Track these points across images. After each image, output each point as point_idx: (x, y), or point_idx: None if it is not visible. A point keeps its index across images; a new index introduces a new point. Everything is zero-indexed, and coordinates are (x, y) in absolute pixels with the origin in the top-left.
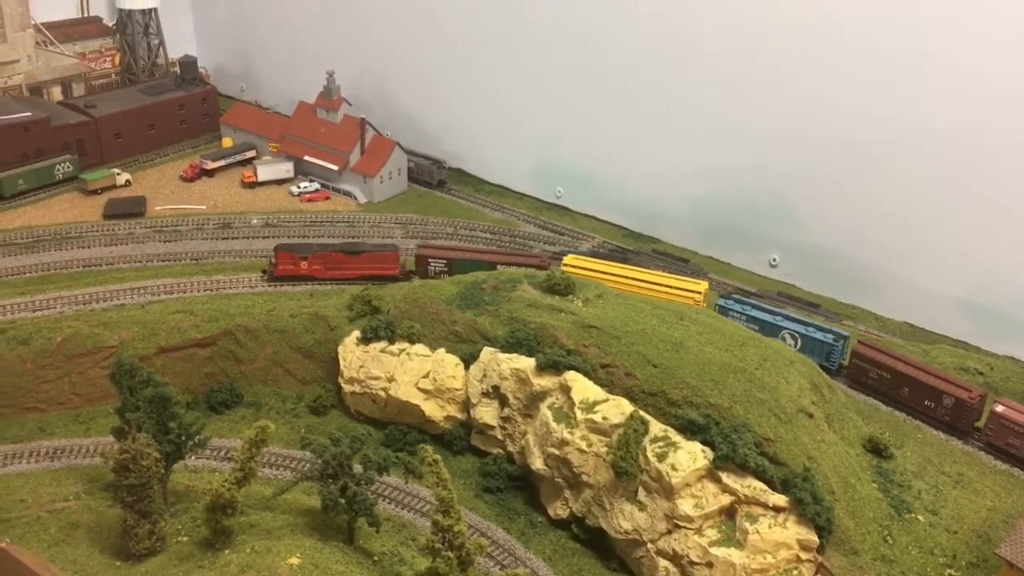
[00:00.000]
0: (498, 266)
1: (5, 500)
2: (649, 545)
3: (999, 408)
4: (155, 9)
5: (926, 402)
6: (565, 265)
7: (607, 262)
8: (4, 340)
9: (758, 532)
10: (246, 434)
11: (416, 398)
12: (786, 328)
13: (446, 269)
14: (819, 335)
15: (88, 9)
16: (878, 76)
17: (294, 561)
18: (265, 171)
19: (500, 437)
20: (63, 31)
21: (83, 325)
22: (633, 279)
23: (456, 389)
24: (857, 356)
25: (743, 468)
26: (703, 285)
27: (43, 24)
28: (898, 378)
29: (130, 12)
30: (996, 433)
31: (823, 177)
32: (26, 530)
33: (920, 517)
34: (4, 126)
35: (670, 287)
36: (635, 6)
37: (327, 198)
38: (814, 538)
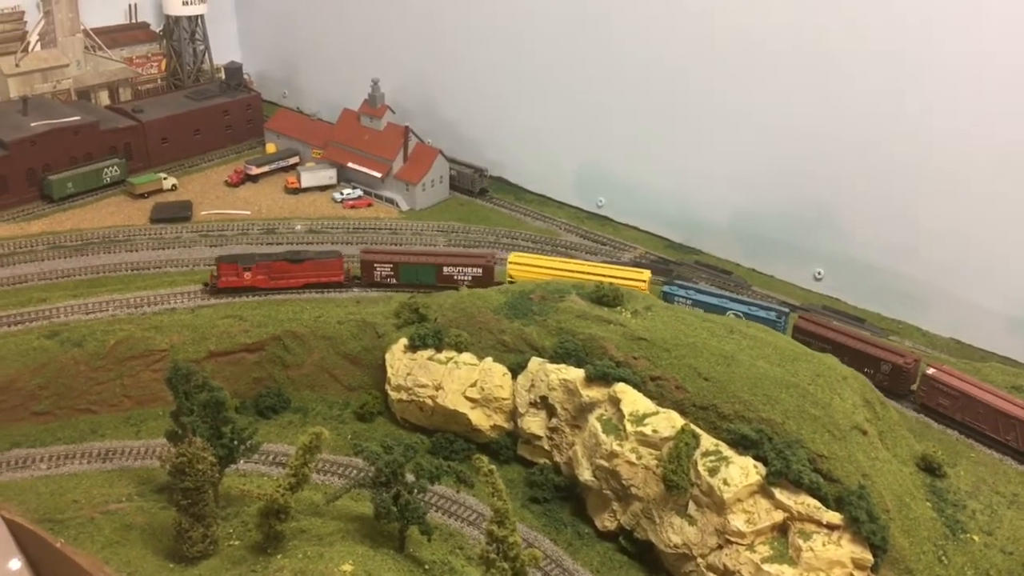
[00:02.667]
0: (444, 268)
1: (59, 501)
2: (699, 560)
3: (930, 371)
4: (202, 16)
5: (865, 369)
6: (511, 263)
7: (550, 257)
8: (59, 342)
9: (812, 549)
10: (300, 440)
11: (463, 407)
12: (731, 308)
13: (392, 273)
14: (761, 312)
15: (136, 15)
16: (929, 86)
17: (347, 568)
18: (309, 177)
19: (547, 448)
20: (111, 36)
21: (135, 328)
22: (578, 272)
23: (503, 399)
24: (798, 330)
25: (797, 484)
26: (646, 274)
27: (92, 29)
28: (838, 349)
29: (177, 18)
30: (928, 395)
31: (869, 189)
32: (80, 531)
33: (975, 537)
34: (54, 130)
35: (615, 277)
36: (677, 14)
37: (370, 205)
38: (868, 557)
